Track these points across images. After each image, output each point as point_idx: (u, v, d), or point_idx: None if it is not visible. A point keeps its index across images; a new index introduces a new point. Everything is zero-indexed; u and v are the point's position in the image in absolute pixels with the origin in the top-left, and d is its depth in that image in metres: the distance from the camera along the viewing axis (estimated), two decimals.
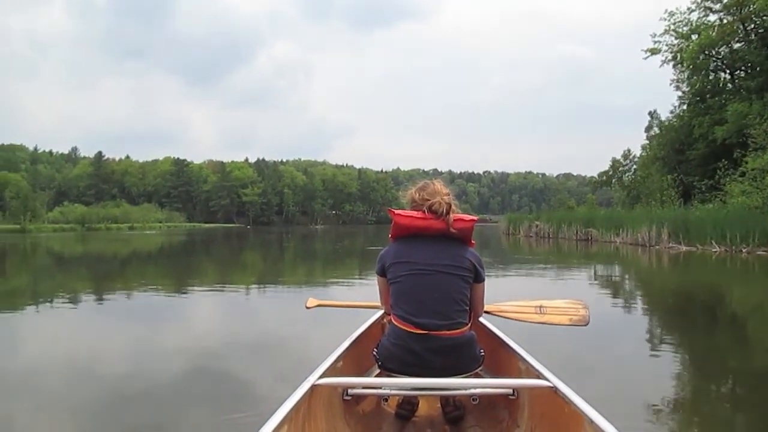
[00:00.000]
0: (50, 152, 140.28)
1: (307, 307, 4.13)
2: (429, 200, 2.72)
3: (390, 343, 2.66)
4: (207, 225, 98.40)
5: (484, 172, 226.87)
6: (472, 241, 2.79)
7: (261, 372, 5.14)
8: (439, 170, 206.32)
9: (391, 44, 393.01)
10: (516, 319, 3.42)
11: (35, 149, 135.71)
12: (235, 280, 14.08)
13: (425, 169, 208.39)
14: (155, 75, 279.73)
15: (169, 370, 5.22)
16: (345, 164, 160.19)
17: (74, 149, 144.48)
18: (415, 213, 2.75)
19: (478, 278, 2.77)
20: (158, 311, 9.00)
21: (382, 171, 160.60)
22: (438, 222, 2.67)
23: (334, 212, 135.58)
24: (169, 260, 22.32)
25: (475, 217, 2.77)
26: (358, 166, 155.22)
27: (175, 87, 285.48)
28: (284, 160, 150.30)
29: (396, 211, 2.76)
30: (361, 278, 13.93)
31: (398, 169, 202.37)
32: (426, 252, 2.67)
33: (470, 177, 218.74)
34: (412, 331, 2.56)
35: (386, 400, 2.93)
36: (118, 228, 74.82)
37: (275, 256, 25.55)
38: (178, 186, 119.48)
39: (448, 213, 2.67)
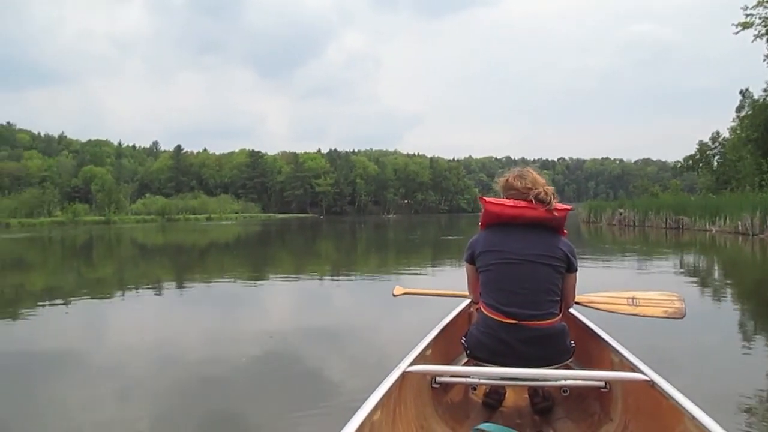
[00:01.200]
0: (133, 147, 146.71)
1: (394, 295, 4.13)
2: (532, 189, 2.66)
3: (479, 332, 2.63)
4: (281, 215, 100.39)
5: (558, 159, 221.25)
6: (565, 231, 2.73)
7: (340, 360, 5.11)
8: (512, 158, 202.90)
9: (458, 31, 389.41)
10: (607, 311, 3.31)
11: (119, 144, 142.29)
12: (314, 269, 14.15)
13: (497, 157, 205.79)
14: (230, 69, 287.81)
15: (248, 356, 5.26)
16: (416, 153, 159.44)
17: (155, 143, 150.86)
18: (506, 201, 2.69)
19: (571, 268, 2.70)
20: (237, 299, 9.11)
21: (453, 159, 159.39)
22: (531, 210, 2.62)
23: (406, 202, 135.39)
24: (246, 250, 22.67)
25: (569, 206, 2.71)
26: (429, 155, 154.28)
27: (249, 80, 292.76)
28: (356, 150, 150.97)
29: (487, 199, 2.72)
30: (439, 268, 13.78)
31: (470, 157, 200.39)
32: (517, 241, 2.62)
33: (544, 164, 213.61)
34: (502, 320, 2.53)
35: (474, 389, 2.92)
36: (196, 219, 77.23)
37: (351, 245, 25.63)
38: (254, 177, 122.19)
39: (550, 202, 2.62)
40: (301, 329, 6.58)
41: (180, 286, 10.88)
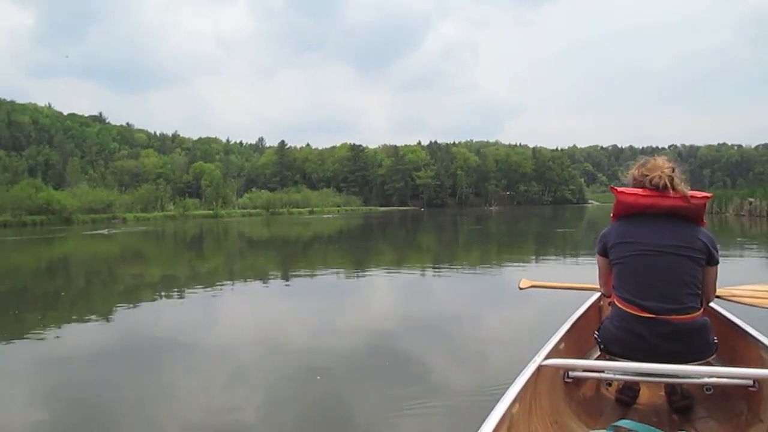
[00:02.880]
0: (240, 143, 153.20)
1: (521, 288, 4.03)
2: (648, 175, 2.54)
3: (614, 326, 2.53)
4: (382, 208, 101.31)
5: (669, 146, 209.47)
6: (704, 221, 2.56)
7: (459, 353, 5.05)
8: (619, 146, 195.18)
9: (558, 16, 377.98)
10: (752, 305, 3.08)
11: (227, 141, 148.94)
12: (423, 261, 14.17)
13: (603, 146, 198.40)
14: (329, 65, 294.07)
15: (353, 347, 5.31)
16: (518, 143, 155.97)
17: (261, 139, 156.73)
18: (639, 190, 2.56)
19: (712, 261, 2.53)
20: (341, 291, 9.21)
21: (557, 149, 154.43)
22: (665, 199, 2.48)
23: (507, 193, 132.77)
24: (349, 242, 22.92)
25: (708, 194, 2.54)
26: (531, 145, 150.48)
27: (349, 75, 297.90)
28: (456, 142, 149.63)
29: (619, 189, 2.60)
30: (557, 261, 13.32)
31: (575, 146, 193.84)
32: (653, 232, 2.49)
33: (653, 152, 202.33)
34: (638, 314, 2.42)
35: (609, 384, 2.82)
36: (299, 212, 79.28)
37: (458, 237, 25.35)
38: (355, 171, 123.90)
39: (667, 187, 2.47)
40: (418, 322, 6.53)
41: (285, 277, 11.08)
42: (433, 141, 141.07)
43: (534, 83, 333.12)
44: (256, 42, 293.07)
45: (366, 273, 11.47)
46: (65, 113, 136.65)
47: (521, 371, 2.18)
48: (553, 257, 14.30)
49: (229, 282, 10.67)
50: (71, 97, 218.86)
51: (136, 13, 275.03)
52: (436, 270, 11.92)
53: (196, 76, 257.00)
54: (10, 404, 4.12)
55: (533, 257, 14.49)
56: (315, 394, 4.01)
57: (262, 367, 4.79)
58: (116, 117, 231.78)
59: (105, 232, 30.05)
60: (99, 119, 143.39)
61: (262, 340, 5.77)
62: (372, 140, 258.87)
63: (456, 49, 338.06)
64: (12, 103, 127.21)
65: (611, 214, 2.68)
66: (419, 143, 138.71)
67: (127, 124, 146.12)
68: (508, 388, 1.99)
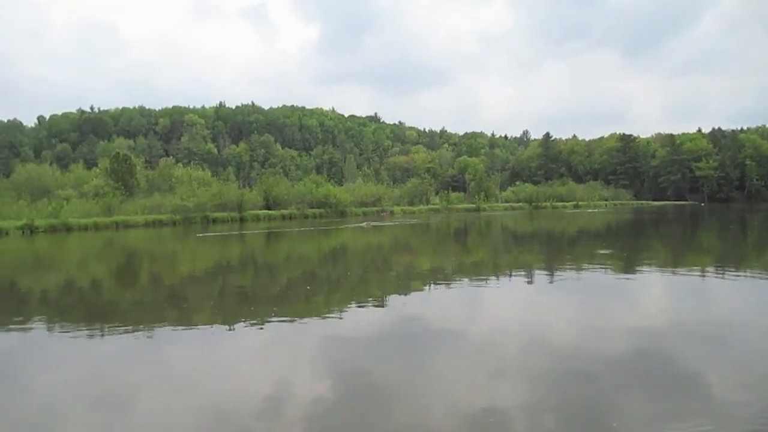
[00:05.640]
0: (505, 137, 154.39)
1: None
2: None
3: None
4: (655, 203, 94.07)
5: None
6: None
7: (726, 369, 4.71)
8: None
9: None
10: None
11: (492, 135, 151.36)
12: (699, 261, 13.00)
13: None
14: (593, 52, 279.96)
15: (617, 351, 5.13)
16: None
17: (525, 132, 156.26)
18: None
19: None
20: (609, 289, 8.90)
21: None
22: None
23: None
24: (618, 239, 21.68)
25: None
26: None
27: (615, 62, 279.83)
28: (745, 128, 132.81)
29: None
30: None
31: None
32: None
33: None
34: None
35: None
36: (563, 206, 77.21)
37: (745, 236, 22.41)
38: (624, 162, 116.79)
39: None
40: (693, 328, 6.12)
41: (549, 273, 10.97)
42: (716, 128, 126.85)
43: None
44: (515, 35, 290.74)
45: (636, 272, 10.80)
46: (346, 115, 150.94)
47: None
48: None
49: (493, 275, 10.86)
50: (351, 100, 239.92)
51: (402, 18, 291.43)
52: (719, 273, 10.68)
53: (460, 74, 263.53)
54: (300, 374, 4.74)
55: None
56: (575, 396, 3.94)
57: (524, 363, 4.84)
58: (390, 116, 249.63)
59: (363, 225, 32.25)
60: (374, 119, 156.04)
61: (525, 335, 5.83)
62: (643, 129, 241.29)
63: (740, 24, 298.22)
64: (302, 108, 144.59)
65: None
66: (699, 131, 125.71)
67: (399, 122, 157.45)
68: None
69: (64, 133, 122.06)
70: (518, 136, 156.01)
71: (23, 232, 32.98)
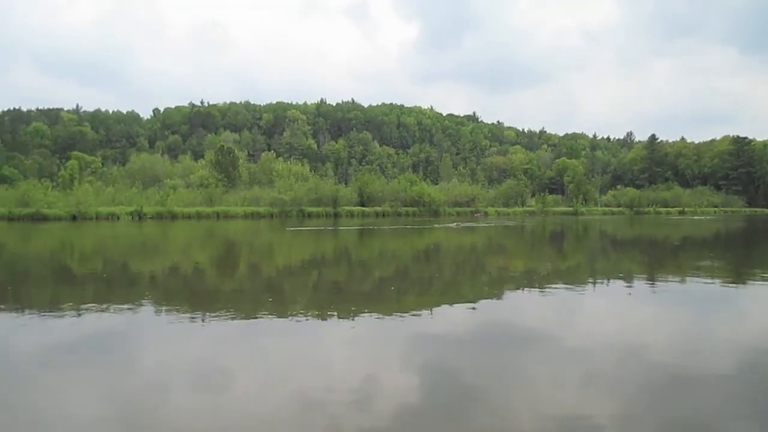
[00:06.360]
0: (607, 138, 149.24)
1: None
2: None
3: None
4: None
5: None
6: None
7: None
8: None
9: None
10: None
11: (594, 136, 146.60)
12: None
13: None
14: (706, 50, 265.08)
15: (722, 367, 4.86)
16: None
17: (629, 134, 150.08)
18: None
19: None
20: (714, 301, 8.33)
21: None
22: None
23: None
24: (727, 248, 20.42)
25: None
26: None
27: (729, 59, 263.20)
28: None
29: None
30: None
31: None
32: None
33: None
34: None
35: None
36: (667, 212, 73.84)
37: None
38: (738, 167, 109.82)
39: None
40: None
41: (650, 281, 10.53)
42: None
43: None
44: (622, 32, 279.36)
45: (748, 285, 10.12)
46: (444, 114, 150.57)
47: None
48: None
49: (590, 281, 10.54)
50: (449, 99, 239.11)
51: (504, 16, 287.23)
52: None
53: (562, 73, 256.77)
54: (388, 368, 4.79)
55: None
56: (673, 410, 3.77)
57: (619, 373, 4.68)
58: (488, 116, 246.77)
59: (453, 225, 32.00)
60: (473, 118, 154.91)
61: (622, 345, 5.61)
62: (761, 132, 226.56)
63: None
64: (401, 107, 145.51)
65: None
66: None
67: (498, 122, 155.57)
68: None
69: (176, 125, 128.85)
70: (621, 137, 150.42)
71: (132, 217, 35.15)
